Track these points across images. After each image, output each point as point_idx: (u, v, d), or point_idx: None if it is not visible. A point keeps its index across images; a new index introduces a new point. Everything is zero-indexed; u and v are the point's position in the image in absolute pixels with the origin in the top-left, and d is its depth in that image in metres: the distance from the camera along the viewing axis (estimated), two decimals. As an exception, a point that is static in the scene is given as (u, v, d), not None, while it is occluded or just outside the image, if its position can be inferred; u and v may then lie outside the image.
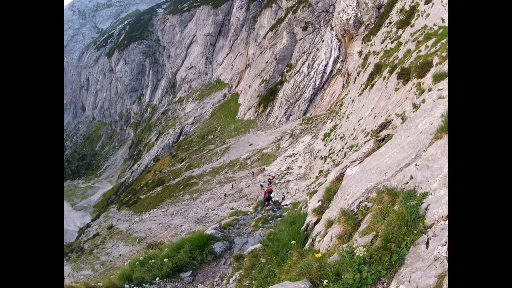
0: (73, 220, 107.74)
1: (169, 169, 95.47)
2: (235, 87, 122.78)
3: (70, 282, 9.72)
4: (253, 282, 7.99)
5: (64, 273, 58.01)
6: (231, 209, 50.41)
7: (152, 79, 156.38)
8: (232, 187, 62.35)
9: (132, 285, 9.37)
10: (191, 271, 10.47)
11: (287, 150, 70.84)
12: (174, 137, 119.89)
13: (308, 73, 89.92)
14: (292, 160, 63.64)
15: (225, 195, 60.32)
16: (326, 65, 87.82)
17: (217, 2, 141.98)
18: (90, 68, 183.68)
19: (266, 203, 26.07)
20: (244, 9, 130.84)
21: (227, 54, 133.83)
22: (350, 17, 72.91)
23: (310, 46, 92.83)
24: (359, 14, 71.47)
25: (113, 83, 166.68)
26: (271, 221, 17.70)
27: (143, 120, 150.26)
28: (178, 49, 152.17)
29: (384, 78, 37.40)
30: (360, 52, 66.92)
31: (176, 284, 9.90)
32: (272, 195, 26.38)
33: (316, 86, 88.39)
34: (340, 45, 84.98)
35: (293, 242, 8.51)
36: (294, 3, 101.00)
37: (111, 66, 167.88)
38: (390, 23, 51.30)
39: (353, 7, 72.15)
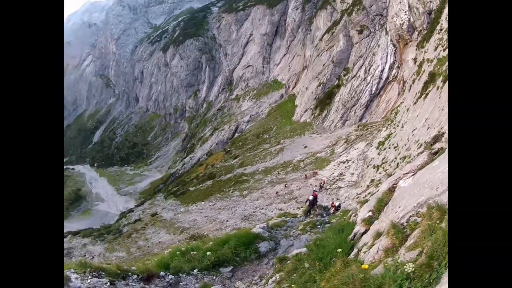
0: (115, 203, 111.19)
1: (222, 165, 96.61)
2: (292, 88, 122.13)
3: (100, 262, 10.00)
4: (293, 285, 7.99)
5: (96, 252, 59.35)
6: (279, 210, 50.24)
7: (209, 75, 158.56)
8: (285, 186, 62.33)
9: (168, 274, 9.51)
10: (231, 267, 10.60)
11: (341, 155, 69.67)
12: (229, 133, 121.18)
13: (365, 78, 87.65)
14: (345, 167, 62.51)
15: (277, 193, 60.34)
16: (382, 71, 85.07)
17: (272, 2, 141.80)
18: (144, 62, 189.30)
19: (311, 207, 25.72)
20: (299, 10, 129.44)
21: (284, 54, 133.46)
22: (404, 22, 70.20)
23: (366, 50, 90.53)
24: (411, 19, 68.39)
25: (168, 77, 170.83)
26: (319, 227, 17.63)
27: (198, 115, 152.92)
28: (234, 48, 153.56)
29: (438, 87, 35.91)
30: (415, 59, 64.05)
31: (214, 278, 10.01)
32: (310, 198, 25.95)
33: (373, 92, 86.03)
34: (395, 50, 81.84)
35: (339, 250, 8.46)
36: (348, 5, 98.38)
37: (166, 61, 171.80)
38: (441, 29, 48.40)
39: (405, 12, 69.30)
